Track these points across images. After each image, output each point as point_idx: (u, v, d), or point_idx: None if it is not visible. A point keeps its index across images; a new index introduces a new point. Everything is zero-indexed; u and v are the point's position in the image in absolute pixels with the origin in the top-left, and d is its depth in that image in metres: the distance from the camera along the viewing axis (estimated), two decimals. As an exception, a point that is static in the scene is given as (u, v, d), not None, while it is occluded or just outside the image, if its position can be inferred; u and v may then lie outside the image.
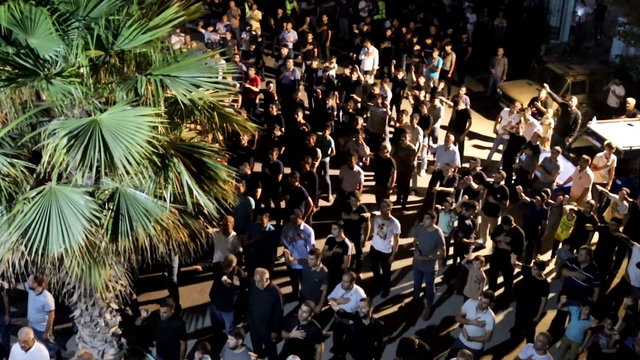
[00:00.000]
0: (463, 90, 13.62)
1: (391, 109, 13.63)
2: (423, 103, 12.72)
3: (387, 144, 11.04)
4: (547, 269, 9.80)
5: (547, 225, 10.20)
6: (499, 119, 12.96)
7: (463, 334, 7.86)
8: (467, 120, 12.89)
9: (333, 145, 11.60)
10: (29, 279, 7.35)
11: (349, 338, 8.04)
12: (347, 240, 8.75)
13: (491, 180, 10.55)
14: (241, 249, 8.66)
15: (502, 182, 10.41)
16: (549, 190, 10.31)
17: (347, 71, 14.04)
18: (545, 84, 13.76)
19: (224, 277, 7.86)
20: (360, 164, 11.20)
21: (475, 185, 10.37)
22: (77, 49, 5.07)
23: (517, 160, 12.01)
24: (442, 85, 14.54)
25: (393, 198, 11.01)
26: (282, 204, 10.48)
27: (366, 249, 10.03)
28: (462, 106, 12.90)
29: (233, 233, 8.61)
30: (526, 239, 9.60)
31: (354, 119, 12.08)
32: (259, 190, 9.89)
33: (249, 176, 10.01)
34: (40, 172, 5.41)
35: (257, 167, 11.33)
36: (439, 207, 10.18)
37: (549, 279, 8.97)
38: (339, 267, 8.63)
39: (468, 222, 9.53)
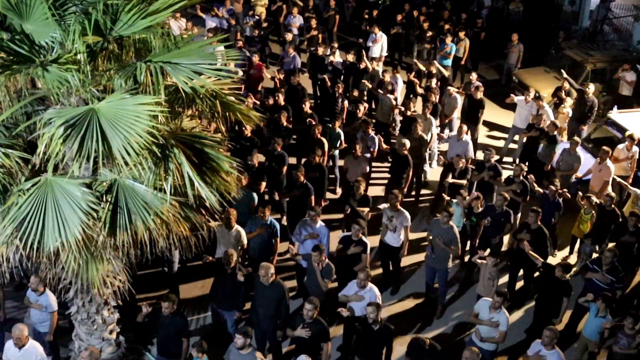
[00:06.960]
0: (474, 76, 13.16)
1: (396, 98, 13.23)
2: (432, 91, 12.32)
3: (406, 141, 10.59)
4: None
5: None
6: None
7: (476, 334, 7.58)
8: (480, 110, 12.46)
9: (342, 137, 11.28)
10: (31, 280, 7.17)
11: (359, 339, 7.81)
12: (364, 239, 8.46)
13: (510, 174, 10.20)
14: (245, 244, 8.42)
15: (521, 176, 10.03)
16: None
17: (349, 57, 13.53)
18: (562, 70, 13.31)
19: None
20: (368, 155, 10.88)
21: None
22: (74, 34, 4.92)
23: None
24: (447, 72, 14.07)
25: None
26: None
27: (374, 243, 9.77)
28: (479, 95, 12.44)
29: (236, 227, 8.36)
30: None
31: (357, 108, 11.75)
32: (263, 184, 9.63)
33: (256, 168, 9.72)
34: (36, 163, 5.28)
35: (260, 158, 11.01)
36: (454, 201, 9.81)
37: (567, 277, 8.60)
38: (356, 265, 8.32)
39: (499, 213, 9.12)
